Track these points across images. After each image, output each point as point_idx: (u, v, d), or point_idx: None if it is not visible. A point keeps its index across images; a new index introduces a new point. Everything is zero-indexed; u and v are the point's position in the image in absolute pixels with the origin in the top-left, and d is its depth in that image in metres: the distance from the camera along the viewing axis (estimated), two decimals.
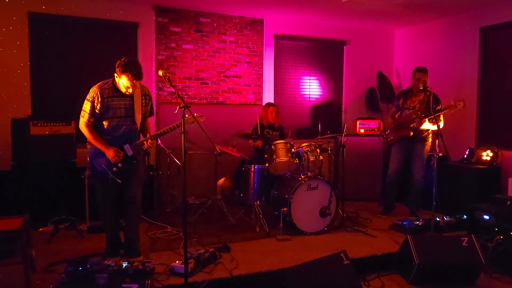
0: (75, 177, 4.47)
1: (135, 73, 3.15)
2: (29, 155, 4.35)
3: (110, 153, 3.26)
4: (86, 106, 3.27)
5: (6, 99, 4.87)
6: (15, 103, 4.89)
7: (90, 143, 3.42)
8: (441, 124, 4.29)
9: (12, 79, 4.90)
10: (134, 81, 3.18)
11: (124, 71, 3.14)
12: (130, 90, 3.26)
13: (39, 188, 4.36)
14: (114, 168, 3.30)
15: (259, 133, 4.95)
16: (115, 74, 3.22)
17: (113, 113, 3.31)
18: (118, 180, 3.30)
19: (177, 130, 3.09)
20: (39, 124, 4.39)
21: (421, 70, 4.70)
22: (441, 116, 4.44)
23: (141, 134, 3.55)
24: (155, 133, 3.41)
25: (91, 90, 3.29)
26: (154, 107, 5.44)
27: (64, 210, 4.31)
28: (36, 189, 4.35)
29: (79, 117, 3.32)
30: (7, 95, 4.87)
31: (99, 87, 3.27)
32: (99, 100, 3.23)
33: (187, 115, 3.05)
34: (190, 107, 3.00)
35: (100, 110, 3.26)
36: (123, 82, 3.20)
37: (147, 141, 3.34)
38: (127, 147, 3.34)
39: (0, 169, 4.55)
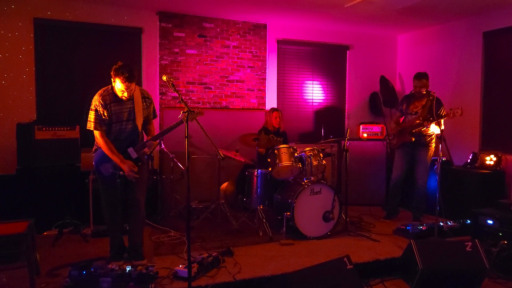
0: (79, 181, 4.50)
1: (126, 75, 3.18)
2: (34, 159, 4.38)
3: (126, 168, 3.29)
4: (92, 115, 3.30)
5: (11, 104, 4.91)
6: (20, 108, 4.93)
7: (94, 150, 3.45)
8: (442, 128, 4.29)
9: (18, 84, 4.95)
10: (127, 83, 3.21)
11: (116, 74, 3.19)
12: (126, 95, 3.27)
13: (43, 192, 4.38)
14: (121, 172, 3.32)
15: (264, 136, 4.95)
16: (112, 80, 3.27)
17: (116, 118, 3.34)
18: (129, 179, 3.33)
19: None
20: (44, 129, 4.44)
21: (418, 77, 4.70)
22: (442, 120, 4.44)
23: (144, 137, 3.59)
24: (154, 135, 3.42)
25: (93, 99, 3.32)
26: (158, 112, 5.54)
27: (68, 214, 4.33)
28: (40, 193, 4.37)
29: (91, 130, 3.33)
30: (12, 100, 4.92)
31: (100, 95, 3.31)
32: (103, 107, 3.28)
33: (186, 111, 3.04)
34: (193, 111, 3.03)
35: (108, 116, 3.29)
36: (117, 86, 3.24)
37: (148, 142, 3.36)
38: (130, 150, 3.37)
39: (5, 173, 4.58)
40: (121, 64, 3.22)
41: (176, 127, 3.32)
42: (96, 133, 3.32)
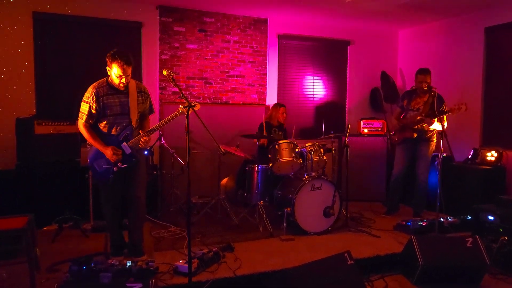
0: (79, 176, 4.48)
1: (124, 58, 3.16)
2: (34, 154, 4.37)
3: (108, 152, 3.26)
4: (83, 107, 3.29)
5: (10, 99, 4.89)
6: (19, 103, 4.91)
7: (89, 144, 3.42)
8: (445, 124, 4.28)
9: (17, 78, 4.92)
10: (125, 67, 3.18)
11: (113, 59, 3.17)
12: (124, 80, 3.24)
13: (43, 187, 4.37)
14: (114, 168, 3.29)
15: (265, 133, 4.93)
16: (107, 68, 3.24)
17: (109, 111, 3.30)
18: (123, 165, 3.29)
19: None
20: (43, 124, 4.43)
21: (423, 72, 4.67)
22: (445, 116, 4.43)
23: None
24: (148, 129, 3.35)
25: (87, 90, 3.30)
26: (158, 107, 5.52)
27: (68, 209, 4.31)
28: (40, 188, 4.36)
29: (78, 119, 3.33)
30: (11, 95, 4.90)
31: (94, 87, 3.28)
32: (94, 99, 3.24)
33: (181, 106, 3.06)
34: (194, 105, 3.00)
35: (96, 109, 3.26)
36: (114, 72, 3.20)
37: (142, 137, 3.29)
38: (124, 145, 3.33)
39: (4, 168, 4.58)
40: (115, 49, 3.19)
41: (170, 121, 3.26)
42: (80, 123, 3.31)
